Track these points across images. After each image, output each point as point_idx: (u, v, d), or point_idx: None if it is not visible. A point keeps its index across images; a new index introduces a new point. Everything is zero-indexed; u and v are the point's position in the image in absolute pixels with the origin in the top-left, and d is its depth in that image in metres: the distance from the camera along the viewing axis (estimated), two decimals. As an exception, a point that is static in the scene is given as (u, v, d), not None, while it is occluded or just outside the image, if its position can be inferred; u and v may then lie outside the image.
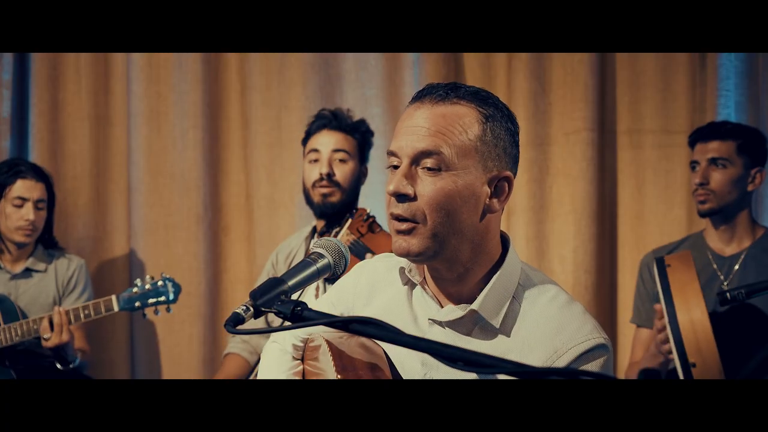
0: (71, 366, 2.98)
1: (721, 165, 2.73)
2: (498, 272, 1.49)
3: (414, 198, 1.44)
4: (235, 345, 3.08)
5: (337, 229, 2.79)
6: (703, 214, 2.78)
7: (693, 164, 2.80)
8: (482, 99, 1.48)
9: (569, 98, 3.29)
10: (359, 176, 2.91)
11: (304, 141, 2.94)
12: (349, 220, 2.78)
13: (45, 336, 2.84)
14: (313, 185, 2.85)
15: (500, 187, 1.49)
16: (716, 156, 2.73)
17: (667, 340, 2.49)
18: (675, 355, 2.37)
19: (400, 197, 1.44)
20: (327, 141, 2.87)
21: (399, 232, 1.46)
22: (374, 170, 3.15)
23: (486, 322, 1.48)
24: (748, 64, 3.20)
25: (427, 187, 1.43)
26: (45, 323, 2.85)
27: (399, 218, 1.45)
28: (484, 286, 1.48)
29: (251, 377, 2.93)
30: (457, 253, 1.47)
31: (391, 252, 1.52)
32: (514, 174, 1.51)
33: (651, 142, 3.30)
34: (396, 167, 1.47)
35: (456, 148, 1.43)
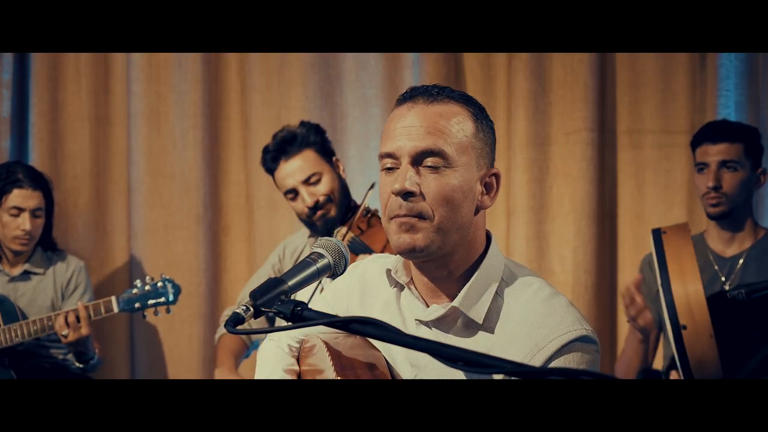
0: (91, 363, 2.99)
1: (732, 168, 2.70)
2: (479, 268, 1.50)
3: (420, 195, 1.44)
4: None
5: (341, 228, 2.75)
6: (714, 217, 2.75)
7: (701, 166, 2.75)
8: (467, 98, 1.51)
9: (569, 98, 3.29)
10: (340, 180, 2.85)
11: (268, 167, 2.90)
12: (352, 218, 2.75)
13: (63, 333, 2.85)
14: (306, 217, 2.81)
15: (490, 183, 1.51)
16: (726, 158, 2.70)
17: (633, 305, 2.59)
18: (666, 317, 2.36)
19: (407, 195, 1.44)
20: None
21: (402, 229, 1.45)
22: (376, 170, 3.13)
23: (469, 318, 1.48)
24: (748, 64, 3.19)
25: (432, 183, 1.44)
26: (61, 320, 2.85)
27: (404, 216, 1.44)
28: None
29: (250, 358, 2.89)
30: (455, 249, 1.47)
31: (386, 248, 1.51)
32: None
33: (651, 142, 3.30)
34: (391, 169, 1.47)
35: (455, 146, 1.45)
